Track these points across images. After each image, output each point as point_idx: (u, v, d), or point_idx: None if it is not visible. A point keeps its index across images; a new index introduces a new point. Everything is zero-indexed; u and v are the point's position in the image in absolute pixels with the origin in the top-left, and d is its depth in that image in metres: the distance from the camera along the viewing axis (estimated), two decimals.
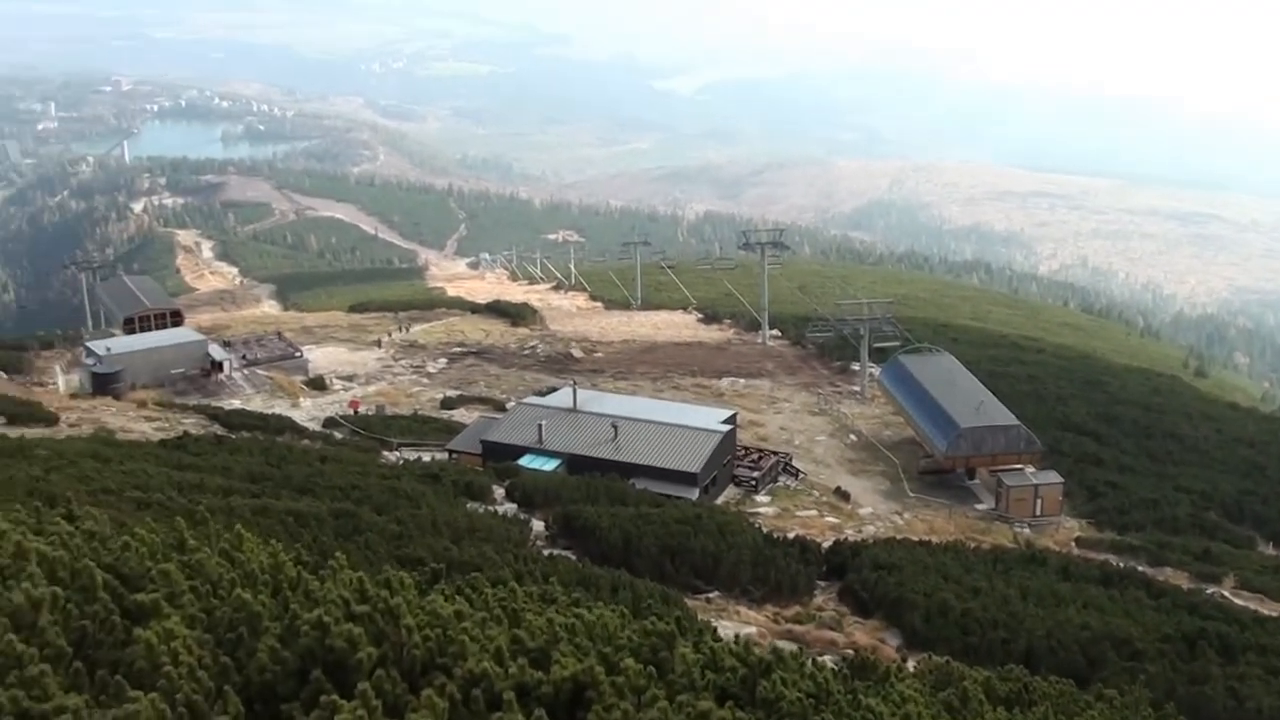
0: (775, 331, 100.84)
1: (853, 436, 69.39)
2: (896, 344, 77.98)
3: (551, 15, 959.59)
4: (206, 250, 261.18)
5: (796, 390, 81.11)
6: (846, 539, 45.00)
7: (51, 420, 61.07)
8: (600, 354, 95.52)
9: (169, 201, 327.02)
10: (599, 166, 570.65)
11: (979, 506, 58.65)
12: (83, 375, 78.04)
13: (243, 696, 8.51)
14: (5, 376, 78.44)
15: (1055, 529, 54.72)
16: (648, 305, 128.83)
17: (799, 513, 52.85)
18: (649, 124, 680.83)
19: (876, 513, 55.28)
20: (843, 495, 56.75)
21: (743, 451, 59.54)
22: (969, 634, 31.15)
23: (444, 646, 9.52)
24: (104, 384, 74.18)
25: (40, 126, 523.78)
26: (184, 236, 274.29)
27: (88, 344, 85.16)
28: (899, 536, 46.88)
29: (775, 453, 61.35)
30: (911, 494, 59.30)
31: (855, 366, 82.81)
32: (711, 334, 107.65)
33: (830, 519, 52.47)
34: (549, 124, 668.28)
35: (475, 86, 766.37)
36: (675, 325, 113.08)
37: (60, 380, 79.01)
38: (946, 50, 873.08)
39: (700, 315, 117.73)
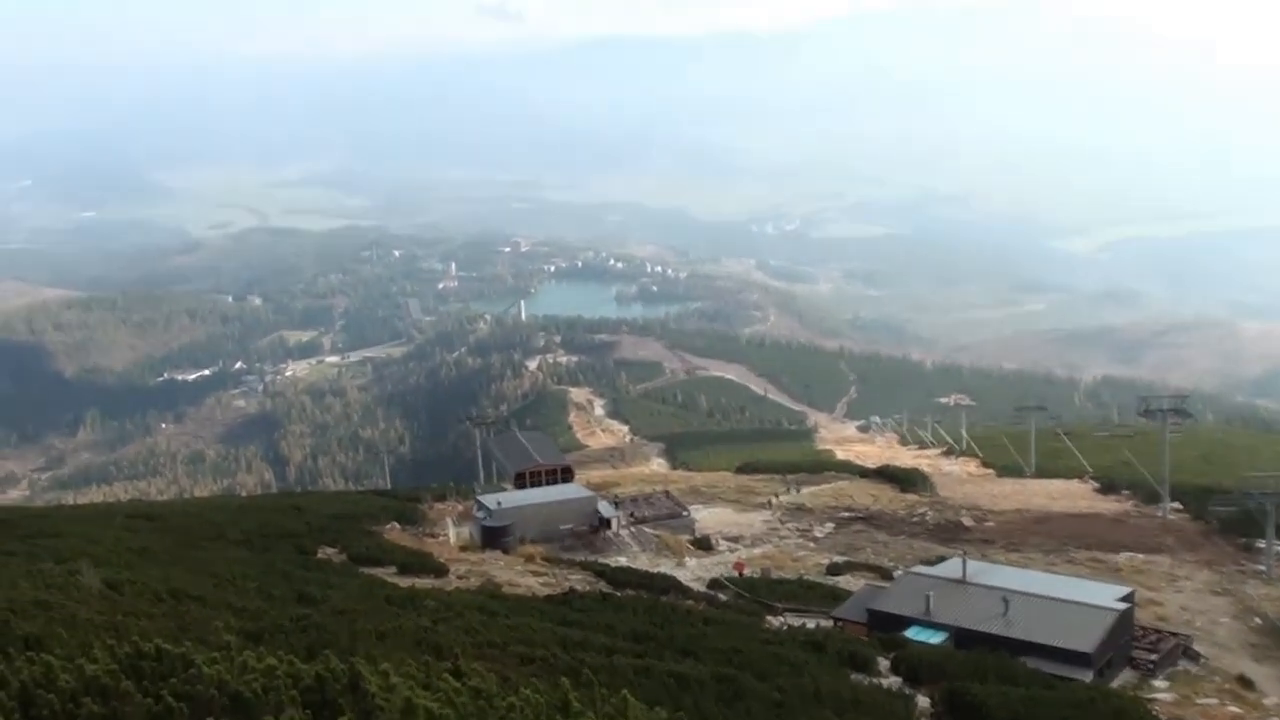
0: (1176, 504, 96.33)
1: (1258, 620, 65.17)
2: None
3: (950, 175, 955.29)
4: (598, 408, 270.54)
5: (1198, 568, 76.91)
6: None
7: (441, 571, 63.65)
8: (991, 523, 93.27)
9: (563, 359, 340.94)
10: (992, 328, 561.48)
11: None
12: (473, 528, 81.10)
13: None
14: (399, 527, 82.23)
15: None
16: (1042, 473, 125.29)
17: (1199, 700, 49.69)
18: (1045, 285, 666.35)
19: None
20: (1246, 683, 53.21)
21: (1140, 632, 56.77)
22: None
23: None
24: (493, 537, 76.82)
25: (441, 285, 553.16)
26: (576, 394, 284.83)
27: (479, 497, 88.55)
28: None
29: (1174, 634, 58.24)
30: None
31: (1261, 544, 78.29)
32: (1108, 505, 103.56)
33: (1233, 708, 49.06)
34: (942, 285, 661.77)
35: (868, 248, 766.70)
36: (1070, 494, 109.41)
37: (451, 532, 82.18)
38: None
39: (1097, 484, 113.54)
